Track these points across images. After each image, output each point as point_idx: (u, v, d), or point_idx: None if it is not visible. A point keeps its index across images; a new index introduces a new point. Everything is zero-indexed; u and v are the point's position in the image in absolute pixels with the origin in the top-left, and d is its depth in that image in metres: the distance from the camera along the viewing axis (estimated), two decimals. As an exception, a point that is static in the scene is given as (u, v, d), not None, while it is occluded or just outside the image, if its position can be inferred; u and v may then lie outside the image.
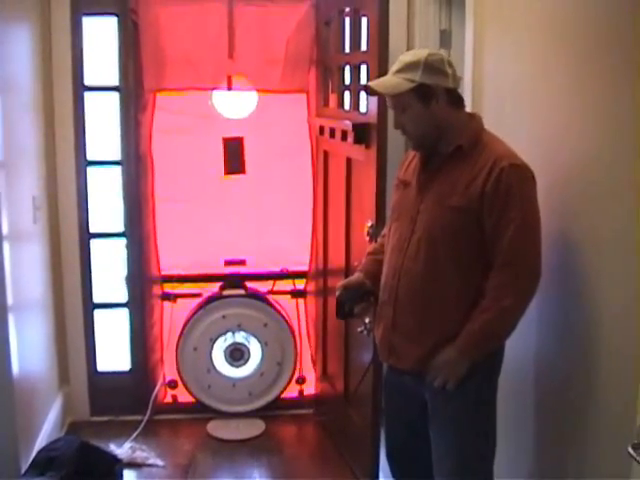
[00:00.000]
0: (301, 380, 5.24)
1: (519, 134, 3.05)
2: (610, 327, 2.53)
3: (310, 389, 5.25)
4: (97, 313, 5.01)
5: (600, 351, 2.59)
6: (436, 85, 2.74)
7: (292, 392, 5.24)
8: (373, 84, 2.86)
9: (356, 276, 3.18)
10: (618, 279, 2.47)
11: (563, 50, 2.82)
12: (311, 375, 5.23)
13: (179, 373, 5.08)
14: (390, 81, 2.79)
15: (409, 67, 2.74)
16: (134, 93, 4.75)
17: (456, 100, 2.83)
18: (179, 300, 5.14)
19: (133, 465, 4.46)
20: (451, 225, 2.75)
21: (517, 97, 3.25)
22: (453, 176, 2.77)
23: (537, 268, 2.69)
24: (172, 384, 5.16)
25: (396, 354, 2.93)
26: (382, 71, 3.54)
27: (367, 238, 3.79)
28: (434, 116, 2.77)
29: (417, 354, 2.84)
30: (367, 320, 3.50)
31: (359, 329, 3.64)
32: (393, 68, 2.81)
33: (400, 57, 2.83)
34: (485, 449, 2.90)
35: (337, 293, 3.15)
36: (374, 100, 3.73)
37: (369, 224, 3.81)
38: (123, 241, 4.94)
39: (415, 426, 3.00)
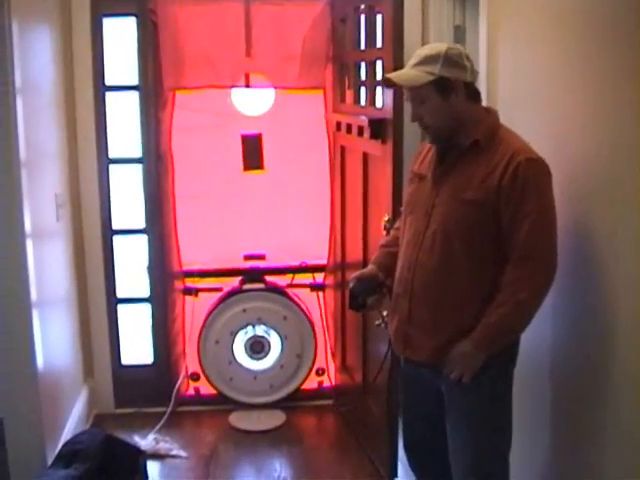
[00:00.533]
0: (321, 372, 5.27)
1: (534, 129, 3.05)
2: (626, 317, 2.53)
3: (329, 381, 5.29)
4: (120, 308, 5.06)
5: (617, 342, 2.58)
6: (455, 78, 2.77)
7: (312, 384, 5.27)
8: (392, 76, 2.87)
9: (369, 268, 3.21)
10: (633, 270, 2.47)
11: (580, 45, 2.82)
12: (330, 367, 5.27)
13: (201, 366, 5.13)
14: (409, 74, 2.81)
15: (428, 60, 2.76)
16: (154, 92, 4.79)
17: (473, 94, 2.85)
18: (200, 294, 5.18)
19: (157, 456, 4.51)
20: (466, 219, 2.77)
21: (533, 93, 3.25)
22: (469, 170, 2.79)
23: (553, 262, 2.70)
24: (194, 376, 5.20)
25: (411, 346, 2.95)
26: (397, 67, 3.54)
27: (384, 232, 3.80)
28: (452, 109, 2.79)
29: (432, 346, 2.86)
30: (385, 313, 3.52)
31: (377, 322, 3.64)
32: (412, 61, 2.82)
33: (418, 50, 2.85)
34: (501, 444, 2.91)
35: (350, 285, 3.18)
36: (390, 95, 3.75)
37: (386, 218, 3.83)
38: (145, 237, 4.98)
39: (432, 418, 3.03)
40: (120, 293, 5.05)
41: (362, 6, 4.30)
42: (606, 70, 2.62)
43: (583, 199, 2.82)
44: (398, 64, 3.60)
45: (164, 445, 4.60)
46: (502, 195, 2.70)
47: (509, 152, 2.72)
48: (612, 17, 2.59)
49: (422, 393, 3.08)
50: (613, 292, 2.61)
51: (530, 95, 3.29)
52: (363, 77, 4.37)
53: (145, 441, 4.62)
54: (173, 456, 4.55)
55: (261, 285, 5.15)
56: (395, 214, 3.69)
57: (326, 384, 5.31)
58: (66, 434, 4.26)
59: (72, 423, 4.46)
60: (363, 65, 4.34)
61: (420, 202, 2.94)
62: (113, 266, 4.99)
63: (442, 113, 2.81)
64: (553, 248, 2.71)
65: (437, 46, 2.86)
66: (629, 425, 2.52)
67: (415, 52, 2.86)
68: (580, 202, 2.84)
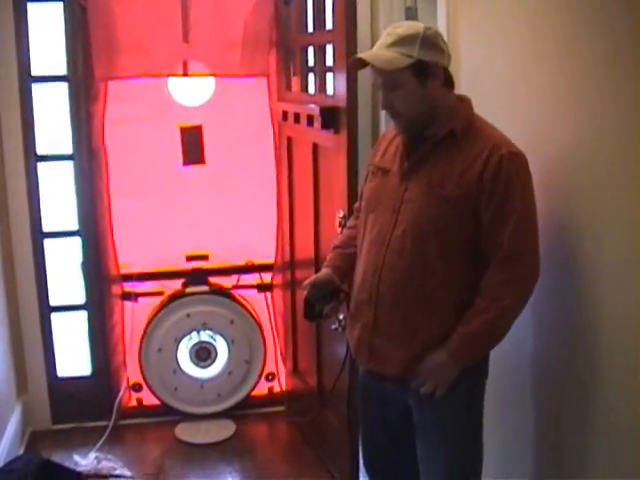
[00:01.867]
0: (271, 377, 5.12)
1: (506, 121, 2.85)
2: (610, 315, 2.41)
3: (280, 386, 5.14)
4: (54, 316, 4.82)
5: (601, 342, 2.47)
6: (434, 62, 2.55)
7: (262, 390, 5.12)
8: (367, 57, 2.59)
9: (324, 272, 2.96)
10: (616, 265, 2.36)
11: (557, 29, 2.65)
12: (281, 371, 5.11)
13: (143, 375, 4.94)
14: (385, 55, 2.54)
15: (405, 40, 2.52)
16: (84, 82, 4.54)
17: (449, 80, 2.65)
18: (140, 299, 4.98)
19: (99, 477, 4.26)
20: (442, 217, 2.55)
21: (505, 81, 3.08)
22: (444, 163, 2.57)
23: (537, 264, 2.54)
24: (136, 387, 5.00)
25: (377, 358, 2.73)
26: (350, 50, 3.43)
27: (339, 229, 3.62)
28: (429, 96, 2.57)
29: (402, 358, 2.65)
30: (341, 316, 3.31)
31: (333, 326, 3.46)
32: (385, 40, 2.57)
33: (390, 29, 2.60)
34: (476, 460, 2.75)
35: (305, 292, 2.93)
36: (343, 81, 3.58)
37: (341, 214, 3.65)
38: (78, 239, 4.76)
39: (396, 434, 2.85)
40: (53, 300, 4.80)
41: None
42: (585, 56, 2.48)
43: (562, 192, 2.67)
44: (351, 47, 3.48)
45: (106, 464, 4.35)
46: (483, 191, 2.50)
47: (489, 144, 2.53)
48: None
49: (384, 406, 2.86)
50: (596, 289, 2.49)
51: (502, 83, 3.11)
52: (311, 63, 4.18)
53: (86, 460, 4.37)
54: (117, 476, 4.29)
55: (205, 287, 4.96)
56: (351, 210, 3.47)
57: (277, 390, 5.16)
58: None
59: (5, 443, 4.26)
60: (311, 50, 4.15)
61: (385, 198, 2.70)
62: (45, 271, 4.75)
63: (417, 100, 2.57)
64: (537, 249, 2.54)
65: (413, 25, 2.60)
66: (615, 427, 2.42)
67: (387, 31, 2.61)
68: (558, 196, 2.69)
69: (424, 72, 2.53)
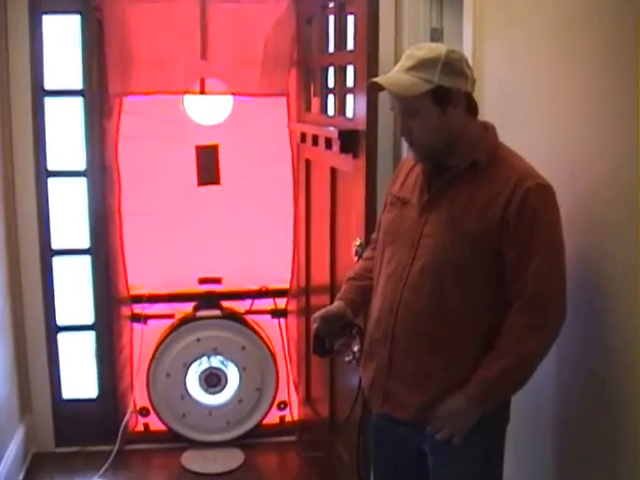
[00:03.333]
0: (283, 405, 5.01)
1: (534, 145, 2.74)
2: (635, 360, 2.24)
3: (292, 415, 5.02)
4: (61, 336, 4.77)
5: (630, 391, 2.29)
6: (456, 89, 2.41)
7: (273, 418, 5.01)
8: (382, 81, 2.47)
9: (336, 305, 2.81)
10: None
11: (588, 47, 2.50)
12: (293, 400, 5.00)
13: (151, 400, 4.85)
14: (403, 79, 2.42)
15: (426, 64, 2.39)
16: (99, 98, 4.52)
17: (472, 107, 2.51)
18: (150, 321, 4.90)
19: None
20: (463, 253, 2.42)
21: (530, 107, 2.93)
22: (466, 196, 2.44)
23: (563, 308, 2.39)
24: (143, 412, 4.91)
25: (392, 402, 2.59)
26: (372, 72, 3.32)
27: (355, 258, 3.51)
28: (449, 124, 2.43)
29: (418, 403, 2.51)
30: (356, 349, 3.16)
31: (347, 358, 3.27)
32: (404, 63, 2.44)
33: (410, 51, 2.48)
34: None
35: (314, 326, 2.78)
36: (363, 104, 3.48)
37: (358, 242, 3.54)
38: (88, 258, 4.71)
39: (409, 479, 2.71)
40: (61, 320, 4.75)
41: (331, 5, 4.04)
42: (618, 73, 2.31)
43: (590, 228, 2.51)
44: (373, 69, 3.39)
45: (109, 491, 4.27)
46: (507, 227, 2.36)
47: (514, 176, 2.38)
48: (618, 13, 2.29)
49: (399, 452, 2.71)
50: (623, 331, 2.32)
51: (528, 108, 2.95)
52: (331, 84, 4.11)
53: (88, 485, 4.32)
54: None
55: (217, 312, 4.87)
56: (368, 238, 3.36)
57: (288, 419, 5.04)
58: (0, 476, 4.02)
59: (5, 464, 4.21)
60: (331, 70, 4.08)
61: (404, 231, 2.56)
62: (53, 290, 4.70)
63: (436, 128, 2.44)
64: (564, 291, 2.39)
65: (435, 48, 2.46)
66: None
67: (407, 52, 2.48)
68: (587, 232, 2.52)
69: (445, 99, 2.40)
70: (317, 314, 2.78)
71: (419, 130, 2.45)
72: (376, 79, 2.51)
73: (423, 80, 2.37)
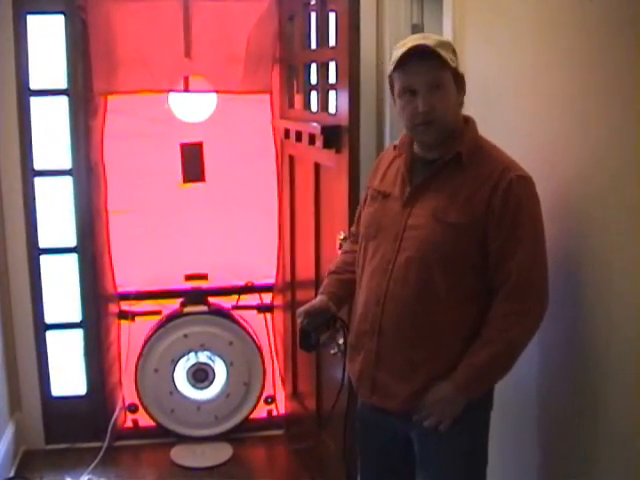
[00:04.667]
0: (270, 400, 5.02)
1: (514, 139, 2.77)
2: (619, 353, 2.29)
3: (279, 409, 5.04)
4: (49, 334, 4.75)
5: (609, 378, 2.35)
6: (463, 76, 2.48)
7: (260, 413, 5.02)
8: (433, 44, 2.40)
9: (319, 300, 2.82)
10: (627, 300, 2.24)
11: (571, 44, 2.53)
12: (280, 394, 5.02)
13: (139, 396, 4.84)
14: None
15: (445, 46, 2.42)
16: (84, 97, 4.49)
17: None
18: (137, 318, 4.90)
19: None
20: (448, 244, 2.44)
21: (513, 102, 2.96)
22: (450, 187, 2.46)
23: (546, 295, 2.43)
24: (132, 408, 4.92)
25: (380, 393, 2.61)
26: (353, 68, 3.37)
27: (339, 251, 3.47)
28: (458, 109, 2.50)
29: (406, 393, 2.54)
30: (341, 341, 3.19)
31: (332, 351, 3.31)
32: (426, 42, 2.40)
33: (421, 35, 2.54)
34: None
35: (299, 321, 2.79)
36: (345, 100, 3.51)
37: (341, 236, 3.55)
38: (75, 256, 4.70)
39: (397, 469, 2.73)
40: (49, 318, 4.73)
41: (312, 2, 4.03)
42: (600, 69, 2.34)
43: (570, 217, 2.55)
44: (355, 64, 3.42)
45: (99, 487, 4.27)
46: (492, 217, 2.40)
47: (497, 168, 2.42)
48: (606, 9, 2.31)
49: (385, 440, 2.74)
50: (604, 318, 2.36)
51: (509, 102, 2.99)
52: (314, 80, 4.11)
53: (78, 483, 4.31)
54: (108, 500, 4.21)
55: (204, 307, 4.87)
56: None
57: (276, 413, 5.07)
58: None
59: None
60: (314, 67, 4.08)
61: (386, 225, 2.58)
62: (41, 288, 4.68)
63: (454, 107, 2.48)
64: (546, 279, 2.43)
65: (438, 36, 2.55)
66: (624, 462, 2.29)
67: (417, 35, 2.53)
68: (566, 221, 2.57)
69: (460, 82, 2.47)
70: (301, 309, 2.79)
71: (443, 105, 2.43)
72: (424, 42, 2.42)
73: (450, 59, 2.41)
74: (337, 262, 2.97)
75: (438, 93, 2.41)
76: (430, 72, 2.42)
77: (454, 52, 2.45)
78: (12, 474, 4.40)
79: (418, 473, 2.64)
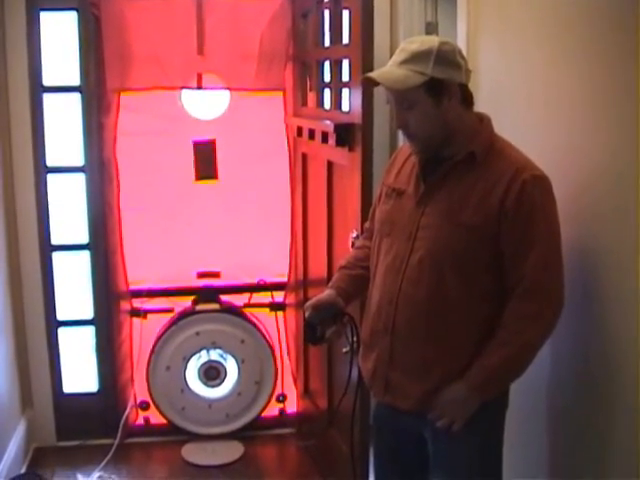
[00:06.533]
0: (282, 398, 5.00)
1: (528, 140, 2.74)
2: (634, 353, 2.26)
3: (291, 407, 5.02)
4: (61, 331, 4.78)
5: (622, 379, 2.34)
6: (449, 80, 2.42)
7: (272, 411, 5.01)
8: (375, 75, 2.48)
9: (327, 294, 2.80)
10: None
11: (582, 43, 2.52)
12: (292, 393, 5.00)
13: (151, 394, 4.85)
14: (396, 73, 2.42)
15: (418, 57, 2.40)
16: (96, 94, 4.51)
17: (467, 98, 2.51)
18: (149, 316, 4.89)
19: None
20: (461, 245, 2.43)
21: (527, 99, 2.94)
22: (463, 187, 2.45)
23: (561, 297, 2.41)
24: (143, 405, 4.91)
25: (394, 392, 2.61)
26: (367, 66, 3.33)
27: (351, 250, 3.48)
28: (445, 116, 2.44)
29: (419, 392, 2.53)
30: (354, 339, 3.17)
31: (344, 350, 3.29)
32: (397, 57, 2.45)
33: (404, 45, 2.49)
34: None
35: (306, 314, 2.78)
36: (358, 98, 3.48)
37: (354, 235, 3.54)
38: (87, 253, 4.70)
39: (411, 469, 2.73)
40: (61, 315, 4.75)
41: (326, 0, 4.02)
42: (613, 68, 2.33)
43: (585, 217, 2.54)
44: (368, 62, 3.38)
45: (110, 484, 4.28)
46: (505, 218, 2.38)
47: (511, 168, 2.40)
48: (610, 5, 2.33)
49: (400, 441, 2.74)
50: (618, 320, 2.36)
51: (522, 99, 2.98)
52: (327, 78, 4.10)
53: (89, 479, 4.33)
54: (120, 497, 4.22)
55: (216, 305, 4.86)
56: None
57: (288, 411, 5.04)
58: (1, 471, 4.01)
59: (7, 459, 4.20)
60: (327, 64, 4.08)
61: (401, 222, 2.57)
62: (53, 285, 4.70)
63: (432, 120, 2.45)
64: (561, 280, 2.41)
65: (428, 41, 2.47)
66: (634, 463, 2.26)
67: (400, 46, 2.49)
68: (582, 221, 2.55)
69: (439, 90, 2.41)
70: (308, 303, 2.79)
71: (416, 123, 2.45)
72: (370, 74, 2.52)
73: (416, 73, 2.38)
74: (349, 257, 2.96)
75: (409, 112, 2.44)
76: (395, 93, 2.46)
77: (438, 57, 2.39)
78: (23, 471, 4.40)
79: (432, 473, 2.64)
